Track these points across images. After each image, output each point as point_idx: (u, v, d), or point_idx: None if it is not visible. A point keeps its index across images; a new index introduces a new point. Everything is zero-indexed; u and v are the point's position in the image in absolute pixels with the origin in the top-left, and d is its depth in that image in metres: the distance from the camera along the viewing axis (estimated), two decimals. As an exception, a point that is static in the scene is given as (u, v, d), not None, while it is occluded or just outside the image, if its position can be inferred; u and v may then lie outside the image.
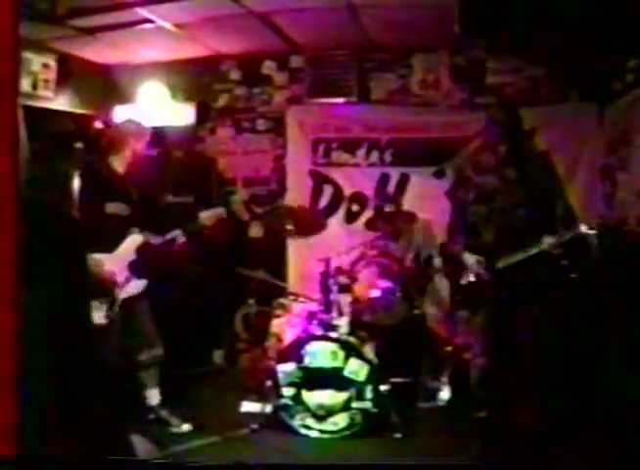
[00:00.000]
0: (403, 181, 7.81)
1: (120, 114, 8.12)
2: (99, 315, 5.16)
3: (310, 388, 5.65)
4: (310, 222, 6.88)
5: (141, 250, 5.59)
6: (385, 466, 4.78)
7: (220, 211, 5.99)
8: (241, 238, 8.13)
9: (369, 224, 7.57)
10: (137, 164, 5.72)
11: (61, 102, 7.37)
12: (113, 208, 5.47)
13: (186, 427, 5.72)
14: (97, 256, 5.22)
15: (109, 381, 4.01)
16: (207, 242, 6.67)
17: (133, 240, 5.56)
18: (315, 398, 5.64)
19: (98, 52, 7.63)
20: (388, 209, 7.34)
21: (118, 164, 5.63)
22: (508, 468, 4.30)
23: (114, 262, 5.39)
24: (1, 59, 2.56)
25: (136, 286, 5.59)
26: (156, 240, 5.68)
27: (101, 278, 5.24)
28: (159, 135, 8.17)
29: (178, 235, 5.74)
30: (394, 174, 7.85)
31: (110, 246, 5.41)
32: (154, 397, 5.79)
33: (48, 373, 3.06)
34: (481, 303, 5.45)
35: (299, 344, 5.77)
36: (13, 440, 2.57)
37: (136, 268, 5.55)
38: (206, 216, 5.87)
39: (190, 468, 3.82)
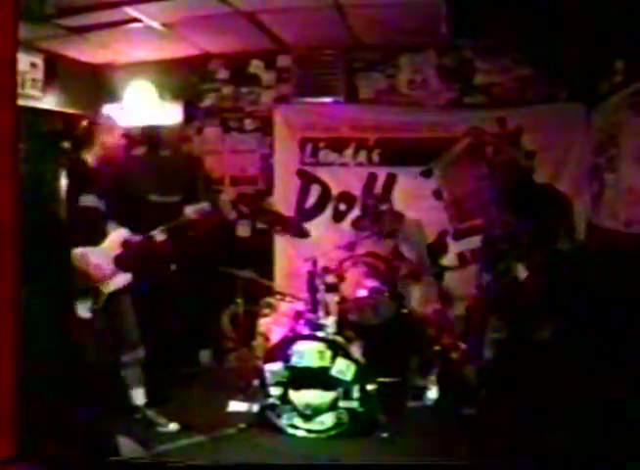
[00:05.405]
0: (391, 181, 7.80)
1: (108, 113, 8.13)
2: (83, 308, 5.18)
3: (297, 387, 5.65)
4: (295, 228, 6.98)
5: (125, 244, 5.59)
6: (372, 466, 4.80)
7: (205, 205, 6.00)
8: (227, 233, 8.15)
9: (356, 224, 7.58)
10: (109, 157, 5.68)
11: (49, 101, 7.35)
12: (87, 200, 5.45)
13: (173, 426, 5.72)
14: (81, 249, 5.25)
15: (93, 379, 4.02)
16: (192, 237, 6.67)
17: (119, 234, 5.58)
18: (302, 397, 5.64)
19: (86, 51, 7.60)
20: (375, 208, 7.33)
21: (90, 157, 5.59)
22: (495, 468, 4.32)
23: (101, 256, 5.41)
24: (1, 63, 2.56)
25: (122, 279, 5.59)
26: (134, 237, 5.66)
27: (86, 271, 5.26)
28: (146, 134, 8.19)
29: (158, 233, 5.74)
30: (382, 174, 7.85)
31: (92, 239, 5.42)
32: (139, 396, 5.78)
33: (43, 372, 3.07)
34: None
35: (286, 343, 5.77)
36: (13, 440, 2.57)
37: (121, 262, 5.55)
38: (192, 211, 5.88)
39: (177, 468, 3.83)
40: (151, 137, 8.24)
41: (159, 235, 5.75)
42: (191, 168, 8.15)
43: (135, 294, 5.76)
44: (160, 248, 5.92)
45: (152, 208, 6.80)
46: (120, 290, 5.59)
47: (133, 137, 6.04)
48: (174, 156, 8.32)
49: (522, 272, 5.39)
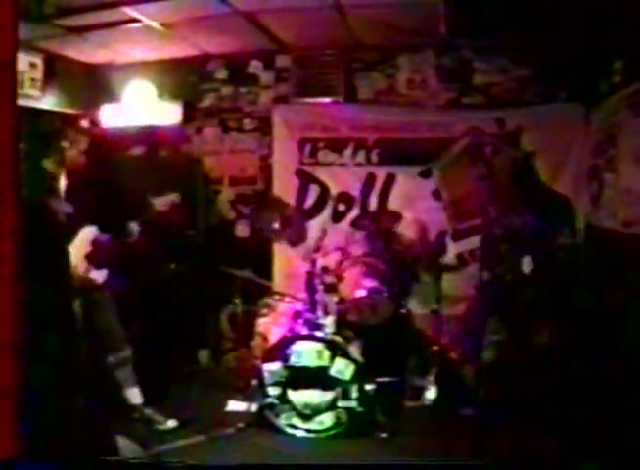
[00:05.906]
0: (390, 181, 7.79)
1: (107, 113, 8.12)
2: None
3: (296, 387, 5.66)
4: (295, 229, 6.95)
5: (94, 242, 5.55)
6: (370, 466, 4.79)
7: (173, 196, 5.97)
8: (225, 233, 8.17)
9: (355, 224, 7.58)
10: (75, 165, 5.64)
11: (48, 101, 7.35)
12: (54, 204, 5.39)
13: (171, 423, 5.72)
14: None
15: (87, 379, 4.01)
16: (163, 228, 6.63)
17: (87, 232, 5.51)
18: (301, 397, 5.65)
19: (85, 51, 7.60)
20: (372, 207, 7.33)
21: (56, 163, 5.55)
22: (493, 467, 4.32)
23: (72, 255, 5.35)
24: (1, 63, 2.55)
25: (96, 277, 5.57)
26: (102, 236, 5.62)
27: None
28: (144, 134, 8.18)
29: (129, 230, 5.72)
30: (381, 174, 7.83)
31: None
32: (135, 396, 5.78)
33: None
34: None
35: (285, 343, 5.77)
36: (13, 440, 2.56)
37: (92, 260, 5.51)
38: (160, 202, 5.86)
39: (176, 468, 3.82)
40: (149, 137, 8.23)
41: (130, 231, 5.72)
42: (189, 169, 8.14)
43: (138, 296, 5.76)
44: (132, 244, 5.87)
45: (123, 205, 6.73)
46: (97, 287, 5.59)
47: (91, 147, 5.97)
48: (173, 156, 8.31)
49: (527, 266, 5.38)
